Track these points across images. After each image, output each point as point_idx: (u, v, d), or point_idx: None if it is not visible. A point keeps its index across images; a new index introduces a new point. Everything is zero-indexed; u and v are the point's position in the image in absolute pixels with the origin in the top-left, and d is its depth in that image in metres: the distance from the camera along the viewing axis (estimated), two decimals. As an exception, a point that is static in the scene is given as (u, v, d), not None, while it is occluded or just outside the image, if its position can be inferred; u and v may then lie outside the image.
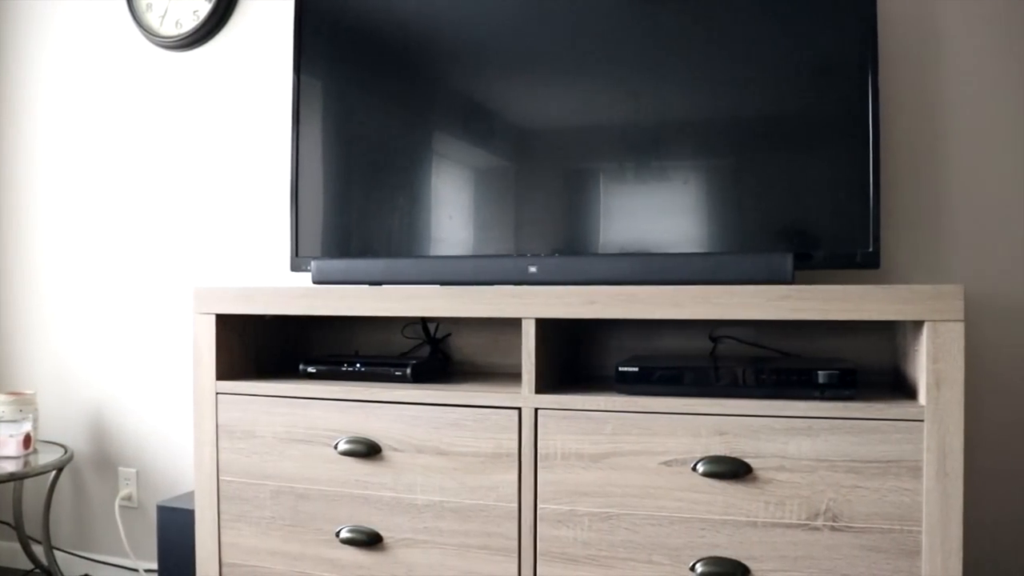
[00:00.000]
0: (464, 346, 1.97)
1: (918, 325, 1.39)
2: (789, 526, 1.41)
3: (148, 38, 2.38)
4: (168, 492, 2.41)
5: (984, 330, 1.78)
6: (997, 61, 1.78)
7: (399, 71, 1.88)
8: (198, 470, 1.74)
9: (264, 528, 1.69)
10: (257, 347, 1.85)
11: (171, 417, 2.41)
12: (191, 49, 2.38)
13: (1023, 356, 1.77)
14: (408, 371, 1.67)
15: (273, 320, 1.90)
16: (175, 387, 2.41)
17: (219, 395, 1.72)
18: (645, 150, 1.73)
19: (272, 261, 2.28)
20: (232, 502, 1.71)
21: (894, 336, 1.70)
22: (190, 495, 2.11)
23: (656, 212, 1.72)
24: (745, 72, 1.67)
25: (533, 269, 1.61)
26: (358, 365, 1.71)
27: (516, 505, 1.53)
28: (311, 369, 1.74)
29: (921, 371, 1.37)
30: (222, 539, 1.72)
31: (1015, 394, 1.77)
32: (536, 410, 1.52)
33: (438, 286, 1.60)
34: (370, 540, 1.60)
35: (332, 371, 1.72)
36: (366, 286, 1.67)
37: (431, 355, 1.88)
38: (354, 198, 1.91)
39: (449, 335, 1.97)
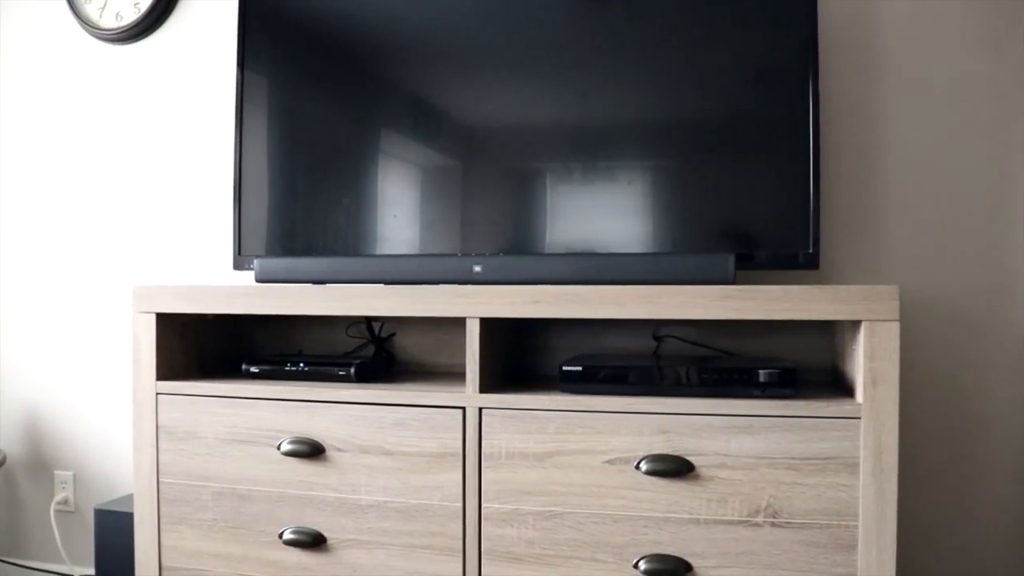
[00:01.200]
0: (409, 345, 1.96)
1: (855, 325, 1.42)
2: (731, 523, 1.42)
3: (87, 31, 2.33)
4: (106, 495, 2.36)
5: (918, 329, 1.82)
6: (934, 67, 1.83)
7: (346, 68, 1.87)
8: (137, 472, 1.71)
9: (206, 530, 1.66)
10: (199, 347, 1.82)
11: (110, 418, 2.37)
12: (133, 43, 2.33)
13: (955, 355, 1.81)
14: (352, 371, 1.66)
15: (215, 319, 1.88)
16: (114, 388, 2.36)
17: (159, 395, 1.69)
18: (592, 150, 1.74)
19: (215, 260, 2.25)
20: (173, 504, 1.68)
21: (833, 335, 1.73)
22: (129, 498, 2.07)
23: (602, 212, 1.73)
24: (690, 75, 1.69)
25: (478, 268, 1.61)
26: (302, 365, 1.69)
27: (461, 505, 1.53)
28: (254, 369, 1.72)
29: (858, 370, 1.40)
30: (162, 542, 1.69)
31: (947, 392, 1.82)
32: (480, 409, 1.52)
33: (382, 285, 1.59)
34: (314, 541, 1.59)
35: (275, 371, 1.71)
36: (310, 285, 1.65)
37: (375, 355, 1.87)
38: (299, 196, 1.89)
39: (394, 334, 1.96)
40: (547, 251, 1.74)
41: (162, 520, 1.69)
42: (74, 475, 2.40)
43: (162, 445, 1.69)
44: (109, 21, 2.30)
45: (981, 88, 1.81)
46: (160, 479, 1.69)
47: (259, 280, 1.72)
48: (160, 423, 1.69)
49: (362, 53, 1.86)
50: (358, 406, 1.58)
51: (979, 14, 1.81)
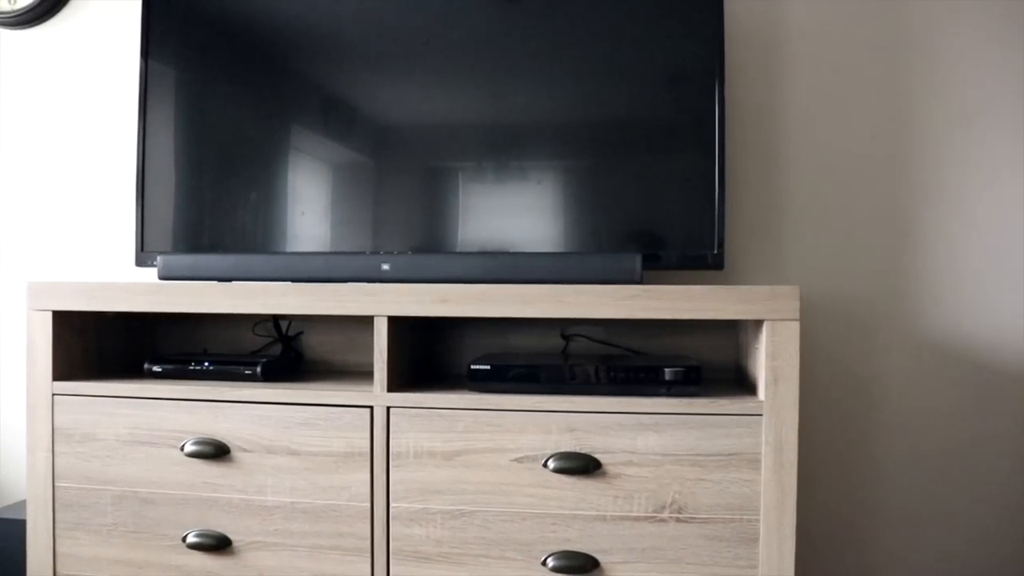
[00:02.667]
0: (317, 344, 1.93)
1: (758, 324, 1.45)
2: (637, 519, 1.44)
3: (-20, 15, 2.23)
4: None
5: (818, 329, 1.88)
6: (836, 72, 1.88)
7: (256, 61, 1.83)
8: (31, 476, 1.64)
9: (105, 536, 1.61)
10: (99, 346, 1.77)
11: (2, 421, 2.27)
12: (30, 27, 2.24)
13: (854, 353, 1.87)
14: (258, 369, 1.63)
15: (116, 317, 1.82)
16: (6, 388, 2.27)
17: (56, 396, 1.63)
18: (504, 150, 1.74)
19: (117, 256, 2.18)
20: (69, 510, 1.63)
21: (737, 334, 1.77)
22: (22, 504, 1.99)
23: (513, 212, 1.73)
24: (600, 77, 1.70)
25: (386, 267, 1.60)
26: (206, 364, 1.65)
27: (368, 504, 1.51)
28: (156, 368, 1.67)
29: (760, 368, 1.43)
30: (57, 549, 1.63)
31: (846, 389, 1.88)
32: (388, 408, 1.50)
33: (290, 283, 1.56)
34: (218, 544, 1.55)
35: (179, 370, 1.66)
36: (215, 282, 1.61)
37: (283, 353, 1.84)
38: (205, 192, 1.85)
39: (302, 333, 1.93)
40: (459, 250, 1.74)
41: (57, 526, 1.63)
42: (-33, 479, 2.30)
43: (58, 448, 1.63)
44: (2, 3, 2.21)
45: (882, 93, 1.87)
46: (56, 483, 1.63)
47: (162, 277, 1.67)
48: (56, 425, 1.63)
49: (274, 46, 1.83)
50: (264, 405, 1.55)
51: (882, 18, 1.87)
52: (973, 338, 1.85)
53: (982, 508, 1.86)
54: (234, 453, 1.55)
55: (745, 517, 1.42)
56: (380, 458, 1.51)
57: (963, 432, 1.86)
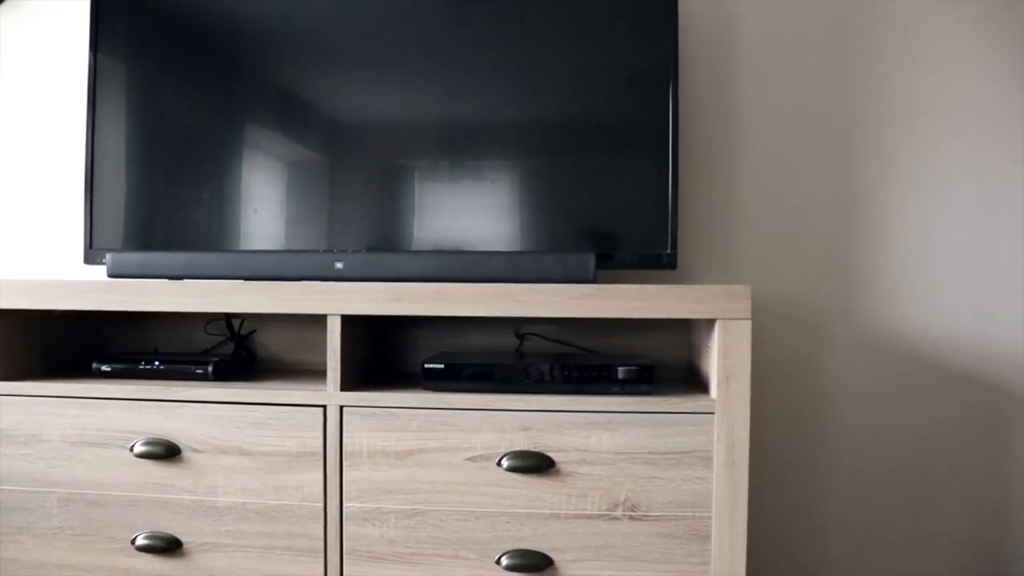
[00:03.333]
0: (270, 343, 1.91)
1: (711, 323, 1.46)
2: (590, 517, 1.45)
3: (-77, 6, 2.18)
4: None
5: (770, 328, 1.90)
6: (787, 72, 1.90)
7: (210, 56, 1.80)
8: (-25, 478, 1.61)
9: (51, 540, 1.58)
10: (45, 345, 1.73)
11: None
12: (-26, 21, 2.19)
13: (804, 351, 1.90)
14: (210, 369, 1.61)
15: (64, 316, 1.78)
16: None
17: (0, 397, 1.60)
18: (460, 149, 1.73)
19: (65, 253, 2.14)
20: (13, 513, 1.59)
21: (690, 333, 1.78)
22: (-31, 504, 1.95)
23: (469, 210, 1.73)
24: (556, 76, 1.71)
25: (340, 265, 1.58)
26: (157, 363, 1.63)
27: (322, 504, 1.50)
28: (105, 368, 1.64)
29: (713, 366, 1.44)
30: (1, 555, 1.60)
31: (797, 387, 1.90)
32: (341, 408, 1.49)
33: (242, 281, 1.54)
34: (168, 546, 1.53)
35: (129, 369, 1.63)
36: (166, 280, 1.59)
37: (235, 352, 1.82)
38: (156, 188, 1.82)
39: (254, 332, 1.91)
40: (414, 248, 1.73)
41: (1, 531, 1.60)
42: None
43: (2, 450, 1.59)
44: (-51, -4, 2.16)
45: (832, 94, 1.89)
46: None
47: (111, 275, 1.64)
48: (0, 426, 1.59)
49: (228, 41, 1.80)
50: (216, 405, 1.53)
51: (832, 20, 1.89)
52: (922, 337, 1.88)
53: (929, 506, 1.89)
54: (185, 454, 1.53)
55: (697, 514, 1.43)
56: (333, 458, 1.50)
57: (911, 430, 1.89)
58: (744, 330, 1.41)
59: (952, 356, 1.87)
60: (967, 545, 1.88)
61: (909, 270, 1.87)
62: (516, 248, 1.70)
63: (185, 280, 1.60)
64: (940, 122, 1.87)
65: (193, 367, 1.61)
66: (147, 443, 1.53)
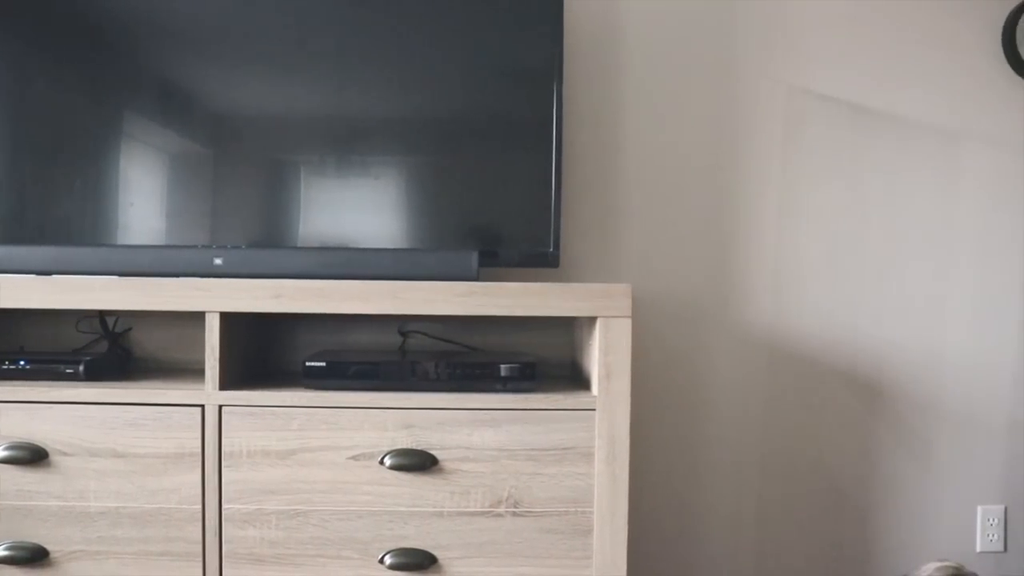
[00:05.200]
0: (146, 341, 1.85)
1: (592, 321, 1.48)
2: (474, 514, 1.45)
3: None
4: None
5: (650, 326, 1.94)
6: (669, 76, 1.94)
7: (87, 43, 1.73)
8: None
9: (-95, 548, 1.50)
10: (-99, 343, 1.64)
11: None
12: None
13: (683, 349, 1.95)
14: (80, 368, 1.54)
15: (-77, 313, 1.69)
16: None
17: None
18: (346, 144, 1.71)
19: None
20: None
21: (572, 331, 1.81)
22: None
23: (355, 207, 1.71)
24: (442, 73, 1.71)
25: (219, 261, 1.55)
26: (22, 363, 1.55)
27: (200, 507, 1.46)
28: (-33, 368, 1.56)
29: (594, 364, 1.47)
30: None
31: (676, 384, 1.95)
32: (220, 407, 1.46)
33: (116, 277, 1.49)
34: (33, 556, 1.46)
35: (-8, 370, 1.56)
36: (34, 275, 1.52)
37: (108, 351, 1.75)
38: (25, 178, 1.73)
39: (130, 329, 1.84)
40: (299, 245, 1.70)
41: None
42: None
43: None
44: None
45: (712, 97, 1.94)
46: None
47: (-26, 270, 1.57)
48: None
49: (105, 28, 1.73)
50: (87, 406, 1.47)
51: (714, 24, 1.94)
52: (794, 334, 1.95)
53: (800, 499, 1.97)
54: (53, 457, 1.47)
55: (579, 510, 1.46)
56: (212, 458, 1.46)
57: (783, 424, 1.96)
58: (624, 328, 1.44)
59: (821, 352, 1.95)
60: (834, 537, 1.97)
61: (783, 270, 1.94)
62: (402, 245, 1.70)
63: (55, 275, 1.54)
64: (815, 128, 1.94)
65: (63, 367, 1.55)
66: (10, 447, 1.46)
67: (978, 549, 1.98)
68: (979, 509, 1.98)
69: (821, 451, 1.96)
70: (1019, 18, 1.93)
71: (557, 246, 1.68)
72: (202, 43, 1.72)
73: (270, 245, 1.70)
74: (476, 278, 1.50)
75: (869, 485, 1.96)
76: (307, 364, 1.49)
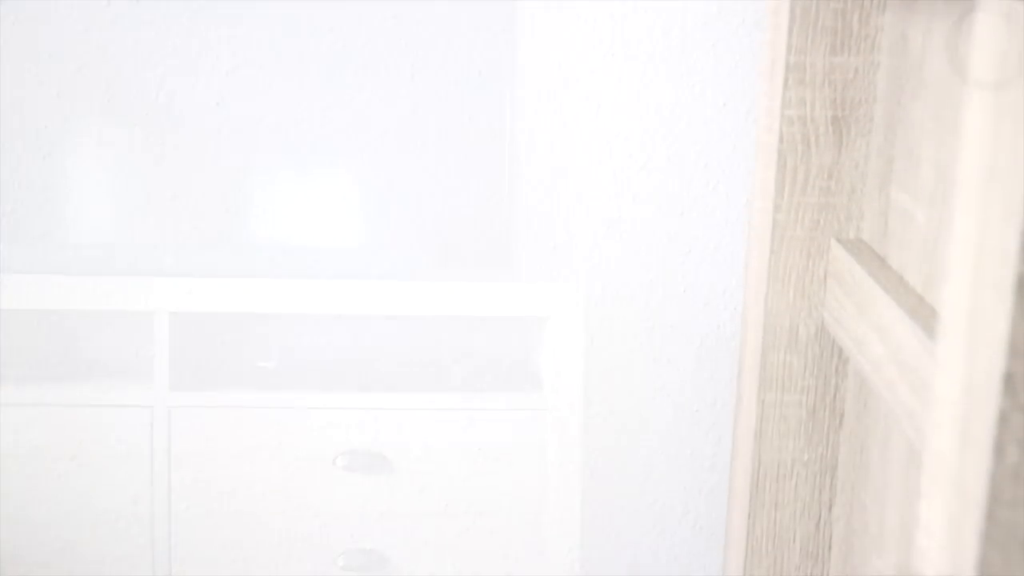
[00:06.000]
0: (95, 341, 1.82)
1: (543, 321, 1.50)
2: (427, 515, 1.46)
3: None
4: None
5: (600, 326, 1.94)
6: (617, 80, 1.96)
7: (29, 33, 1.70)
8: None
9: None
10: None
11: None
12: None
13: (634, 350, 1.95)
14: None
15: None
16: None
17: None
18: (299, 143, 1.70)
19: None
20: None
21: (524, 331, 1.81)
22: None
23: (307, 206, 1.70)
24: (395, 70, 1.71)
25: (172, 260, 1.54)
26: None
27: (148, 508, 1.45)
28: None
29: (546, 364, 1.49)
30: None
31: (629, 385, 1.96)
32: (170, 408, 1.45)
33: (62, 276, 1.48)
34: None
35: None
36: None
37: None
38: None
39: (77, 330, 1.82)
40: (250, 244, 1.69)
41: None
42: None
43: None
44: None
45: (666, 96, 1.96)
46: None
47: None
48: None
49: (46, 20, 1.71)
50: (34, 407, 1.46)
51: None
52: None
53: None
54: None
55: (532, 510, 1.47)
56: (162, 460, 1.44)
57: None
58: (575, 328, 1.46)
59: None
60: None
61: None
62: (353, 245, 1.69)
63: None
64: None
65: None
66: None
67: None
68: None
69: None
70: None
71: (509, 246, 1.68)
72: (150, 39, 1.70)
73: (221, 244, 1.68)
74: (428, 278, 1.51)
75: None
76: (259, 364, 1.49)
